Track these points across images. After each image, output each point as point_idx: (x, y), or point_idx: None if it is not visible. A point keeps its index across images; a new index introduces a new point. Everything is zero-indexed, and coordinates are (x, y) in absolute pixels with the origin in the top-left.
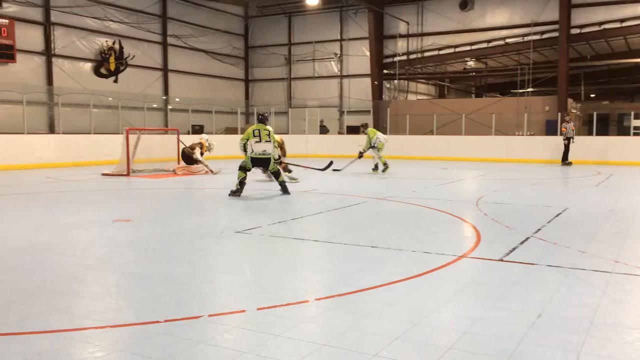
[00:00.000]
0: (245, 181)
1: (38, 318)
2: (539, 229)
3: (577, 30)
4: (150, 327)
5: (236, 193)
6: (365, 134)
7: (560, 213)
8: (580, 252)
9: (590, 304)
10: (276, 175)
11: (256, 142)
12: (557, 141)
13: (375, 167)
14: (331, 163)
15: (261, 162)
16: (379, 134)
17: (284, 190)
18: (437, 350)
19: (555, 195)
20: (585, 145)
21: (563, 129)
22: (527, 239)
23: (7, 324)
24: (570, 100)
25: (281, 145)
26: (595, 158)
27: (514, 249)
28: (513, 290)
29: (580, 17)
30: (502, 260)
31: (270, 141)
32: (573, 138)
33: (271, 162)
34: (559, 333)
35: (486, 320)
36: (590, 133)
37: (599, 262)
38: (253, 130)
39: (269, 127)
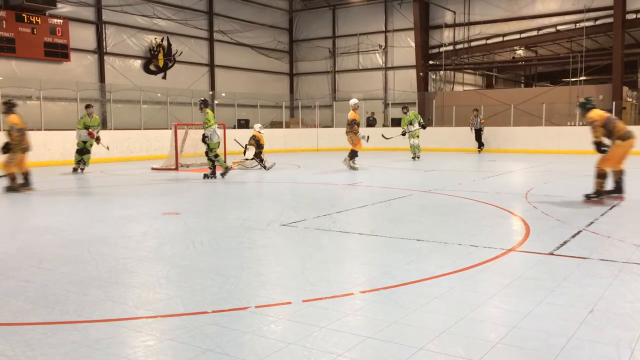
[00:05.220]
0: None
1: (94, 307)
2: (591, 222)
3: (633, 16)
4: (198, 317)
5: (212, 176)
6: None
7: (614, 206)
8: (635, 246)
9: None
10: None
11: (218, 127)
12: None
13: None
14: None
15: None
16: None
17: (212, 174)
18: (484, 344)
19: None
20: None
21: (470, 121)
22: (578, 232)
23: (67, 313)
24: (625, 89)
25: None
26: None
27: (564, 242)
28: (564, 284)
29: (635, 1)
30: (552, 254)
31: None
32: (482, 130)
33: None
34: (612, 329)
35: (535, 315)
36: None
37: None
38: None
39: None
